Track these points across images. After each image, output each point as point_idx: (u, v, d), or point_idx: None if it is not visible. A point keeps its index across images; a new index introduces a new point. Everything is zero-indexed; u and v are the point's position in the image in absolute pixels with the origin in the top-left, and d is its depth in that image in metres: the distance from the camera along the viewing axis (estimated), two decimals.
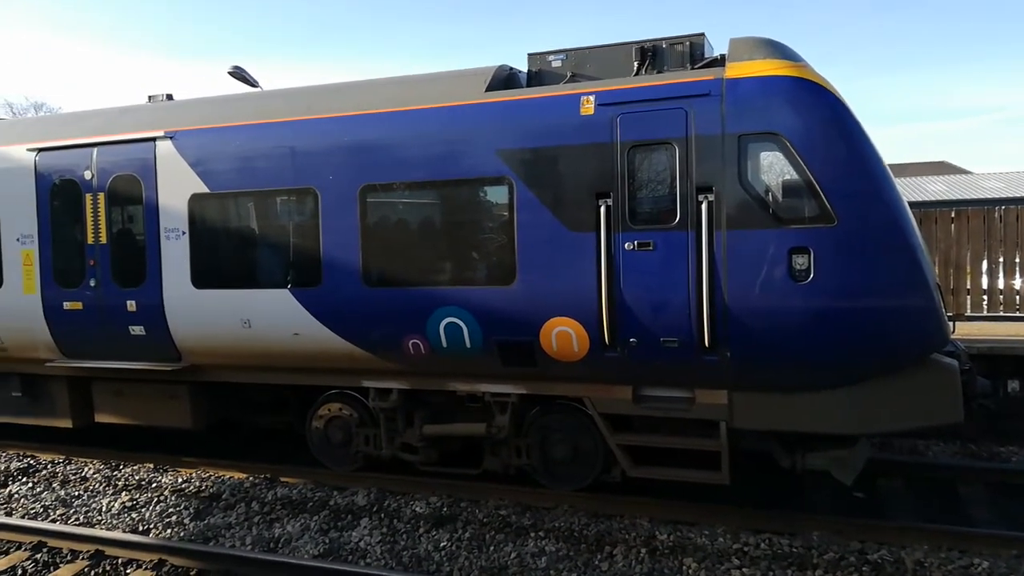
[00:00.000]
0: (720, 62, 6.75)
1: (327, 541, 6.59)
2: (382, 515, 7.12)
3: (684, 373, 6.54)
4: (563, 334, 6.68)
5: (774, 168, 6.28)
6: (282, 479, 8.19)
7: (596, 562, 6.03)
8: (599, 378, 6.86)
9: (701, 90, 6.27)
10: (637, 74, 6.98)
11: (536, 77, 7.43)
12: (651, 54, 7.04)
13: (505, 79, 7.35)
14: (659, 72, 6.91)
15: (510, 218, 6.80)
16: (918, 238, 6.11)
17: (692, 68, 6.84)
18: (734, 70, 6.25)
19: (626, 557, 6.08)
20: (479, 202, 7.06)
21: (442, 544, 6.46)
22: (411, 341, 7.19)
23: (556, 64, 7.40)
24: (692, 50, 6.95)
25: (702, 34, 7.01)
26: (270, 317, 7.63)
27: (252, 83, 12.02)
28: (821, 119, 6.05)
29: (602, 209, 6.48)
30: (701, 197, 6.23)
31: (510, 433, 7.43)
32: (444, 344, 7.08)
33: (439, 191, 7.09)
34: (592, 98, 6.59)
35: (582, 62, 7.29)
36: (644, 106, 6.43)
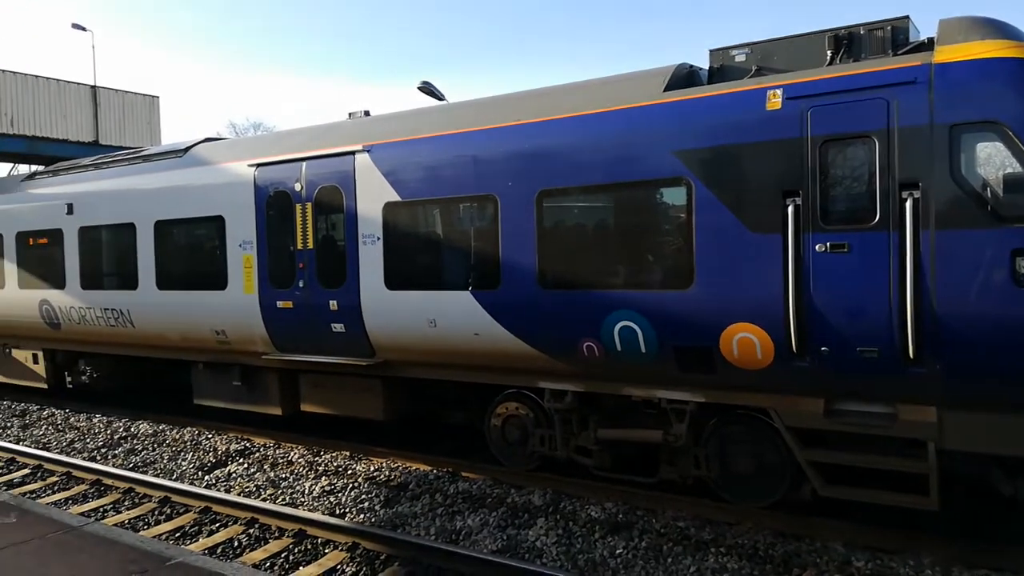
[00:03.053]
0: (927, 46, 6.12)
1: (505, 538, 6.77)
2: (558, 516, 7.18)
3: (885, 386, 5.99)
4: (745, 341, 6.36)
5: (993, 160, 5.60)
6: (463, 474, 8.52)
7: None
8: (786, 389, 6.46)
9: (905, 77, 5.72)
10: (831, 64, 6.51)
11: (718, 73, 7.16)
12: (847, 42, 6.53)
13: (685, 77, 7.16)
14: (856, 61, 6.39)
15: (688, 220, 6.60)
16: None
17: (895, 54, 6.26)
18: (945, 54, 5.63)
19: None
20: (655, 204, 6.93)
21: (618, 551, 6.39)
22: (585, 344, 7.20)
23: (740, 59, 7.09)
24: (894, 35, 6.36)
25: (906, 17, 6.39)
26: (453, 317, 7.99)
27: (439, 96, 12.67)
28: None
29: (790, 209, 6.10)
30: (905, 194, 5.68)
31: (688, 442, 7.21)
32: (618, 348, 7.01)
33: (614, 194, 7.05)
34: (779, 92, 6.23)
35: (768, 55, 6.92)
36: (839, 97, 5.98)
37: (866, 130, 5.86)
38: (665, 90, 6.92)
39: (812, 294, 6.05)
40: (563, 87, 7.99)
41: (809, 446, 6.55)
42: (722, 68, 7.15)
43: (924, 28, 6.51)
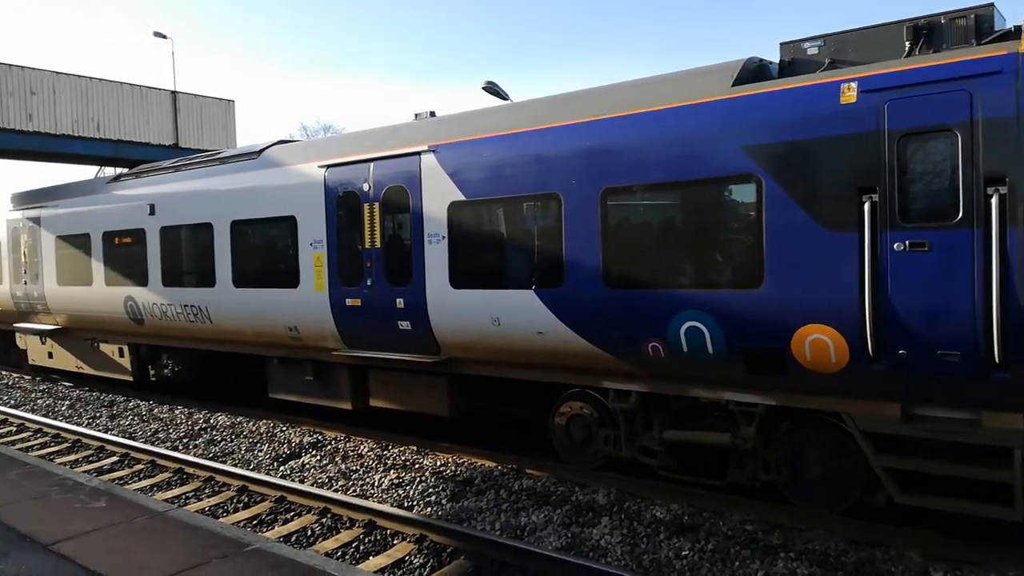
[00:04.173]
0: (1014, 35, 5.83)
1: (569, 535, 6.78)
2: (622, 516, 7.16)
3: (967, 391, 5.75)
4: (818, 343, 6.20)
5: None
6: (527, 471, 8.58)
7: None
8: (861, 392, 6.27)
9: (991, 67, 5.47)
10: (909, 55, 6.27)
11: (789, 67, 6.99)
12: (926, 32, 6.29)
13: (754, 72, 7.00)
14: (936, 52, 6.14)
15: (757, 217, 6.47)
16: None
17: (978, 44, 5.98)
18: None
19: None
20: (724, 202, 6.81)
21: (683, 552, 6.33)
22: (650, 344, 7.14)
23: (812, 51, 6.90)
24: (978, 23, 6.09)
25: (991, 4, 6.10)
26: (516, 316, 8.04)
27: (503, 96, 12.75)
28: None
29: (866, 206, 5.91)
30: (991, 190, 5.44)
31: (757, 445, 7.07)
32: (685, 348, 6.93)
33: (681, 192, 6.96)
34: (854, 85, 6.04)
35: (842, 47, 6.72)
36: (918, 90, 5.76)
37: (948, 123, 5.63)
38: (734, 85, 6.79)
39: (889, 295, 5.85)
40: (627, 84, 7.93)
41: (884, 452, 6.34)
42: (793, 61, 6.98)
43: (1011, 16, 6.22)
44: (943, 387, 5.85)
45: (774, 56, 7.17)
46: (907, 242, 5.79)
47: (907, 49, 6.34)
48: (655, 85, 7.49)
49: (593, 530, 6.88)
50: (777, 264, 6.35)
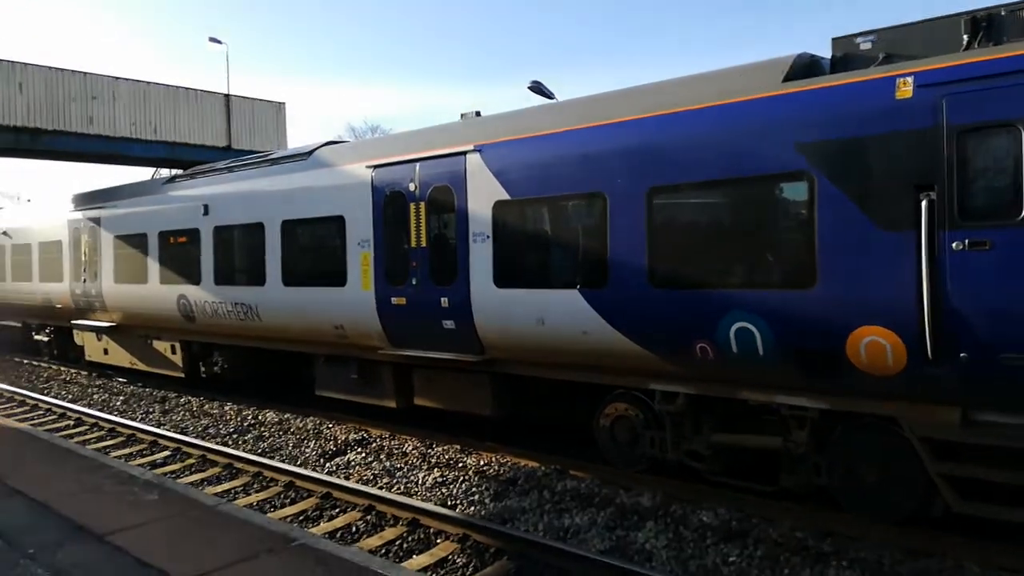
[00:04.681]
0: None
1: (613, 538, 6.71)
2: (668, 520, 7.05)
3: None
4: (874, 345, 6.01)
5: None
6: (571, 472, 8.52)
7: None
8: (918, 396, 6.06)
9: None
10: (967, 49, 6.04)
11: (842, 62, 6.80)
12: (986, 24, 6.05)
13: (805, 67, 6.84)
14: (996, 44, 5.90)
15: (810, 216, 6.31)
16: None
17: None
18: None
19: None
20: (774, 200, 6.66)
21: (731, 559, 6.20)
22: (698, 345, 7.02)
23: (865, 46, 6.70)
24: None
25: None
26: (561, 316, 7.99)
27: (549, 95, 12.71)
28: None
29: (923, 204, 5.71)
30: None
31: (809, 450, 6.89)
32: (734, 350, 6.79)
33: (730, 190, 6.83)
34: (910, 79, 5.84)
35: (897, 42, 6.51)
36: (978, 84, 5.55)
37: (1010, 118, 5.42)
38: (784, 81, 6.64)
39: (949, 295, 5.64)
40: (673, 81, 7.82)
41: (943, 458, 6.11)
42: (846, 57, 6.79)
43: None
44: (1007, 392, 5.61)
45: (826, 52, 6.99)
46: (967, 241, 5.58)
47: (965, 42, 6.11)
48: (702, 82, 7.37)
49: (638, 534, 6.79)
50: (830, 264, 6.18)
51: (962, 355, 5.63)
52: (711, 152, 6.87)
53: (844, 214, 6.11)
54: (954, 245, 5.63)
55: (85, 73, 25.43)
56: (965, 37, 6.12)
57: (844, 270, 6.11)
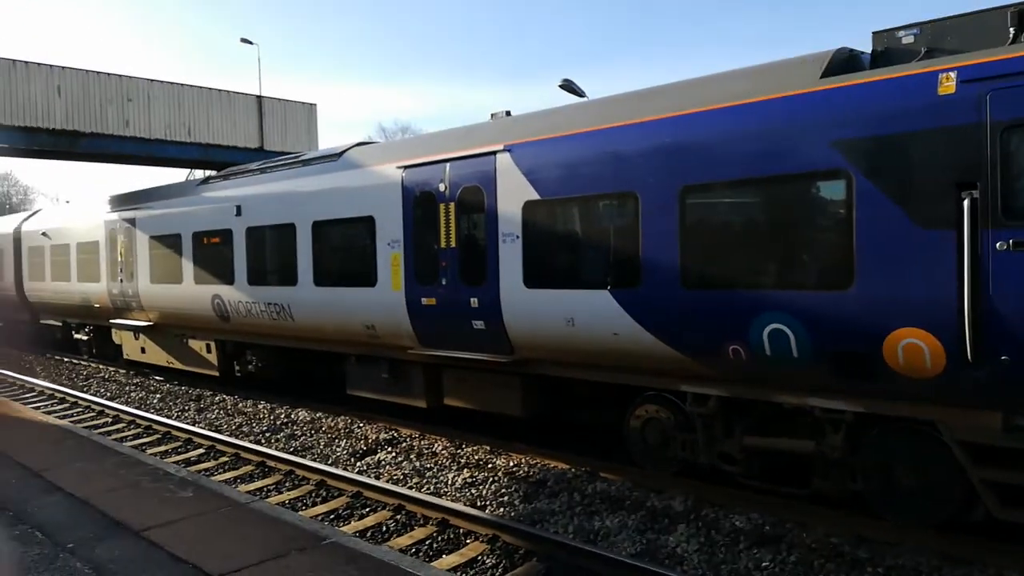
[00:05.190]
0: None
1: (644, 541, 6.65)
2: (699, 524, 6.97)
3: None
4: (912, 347, 5.87)
5: None
6: (601, 474, 8.46)
7: None
8: (958, 400, 5.90)
9: None
10: (1014, 42, 5.87)
11: (882, 57, 6.66)
12: None
13: (845, 62, 6.69)
14: None
15: (847, 215, 6.18)
16: None
17: None
18: None
19: None
20: (810, 198, 6.54)
21: (764, 563, 6.11)
22: (731, 347, 6.92)
23: (907, 40, 6.55)
24: None
25: None
26: (591, 316, 7.93)
27: (580, 93, 12.65)
28: None
29: (965, 203, 5.56)
30: None
31: (844, 454, 6.75)
32: (768, 352, 6.68)
33: (765, 188, 6.72)
34: (953, 75, 5.69)
35: (940, 35, 6.35)
36: None
37: None
38: (823, 76, 6.51)
39: (991, 297, 5.48)
40: (706, 78, 7.71)
41: (983, 464, 5.95)
42: (887, 51, 6.64)
43: None
44: None
45: (867, 46, 6.85)
46: (1011, 241, 5.42)
47: (1011, 36, 5.94)
48: (737, 79, 7.26)
49: (669, 537, 6.72)
50: (868, 264, 6.05)
51: (1004, 358, 5.47)
52: (745, 150, 6.76)
53: (883, 213, 5.97)
54: (998, 245, 5.47)
55: (121, 76, 25.95)
56: (1012, 30, 5.95)
57: (882, 271, 5.98)
